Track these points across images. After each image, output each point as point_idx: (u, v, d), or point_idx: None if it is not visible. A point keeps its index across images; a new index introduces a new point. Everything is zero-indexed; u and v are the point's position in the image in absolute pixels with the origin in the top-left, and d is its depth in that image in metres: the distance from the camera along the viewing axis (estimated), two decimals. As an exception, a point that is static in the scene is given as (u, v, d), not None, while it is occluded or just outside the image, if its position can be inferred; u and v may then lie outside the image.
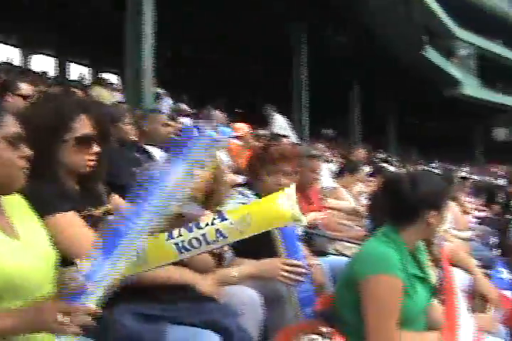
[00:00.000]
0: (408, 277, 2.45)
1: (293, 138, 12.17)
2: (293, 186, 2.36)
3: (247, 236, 2.20)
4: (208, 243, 2.18)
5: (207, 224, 2.19)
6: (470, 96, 35.06)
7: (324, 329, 2.07)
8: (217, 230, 2.17)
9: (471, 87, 35.68)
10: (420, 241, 2.65)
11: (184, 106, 14.63)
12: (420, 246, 2.66)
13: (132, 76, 11.53)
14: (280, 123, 12.77)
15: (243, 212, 2.24)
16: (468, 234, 6.14)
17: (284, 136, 10.08)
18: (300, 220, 2.26)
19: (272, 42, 21.81)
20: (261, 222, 2.22)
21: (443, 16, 31.29)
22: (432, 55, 28.40)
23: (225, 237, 2.18)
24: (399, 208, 2.55)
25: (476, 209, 8.92)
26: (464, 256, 3.48)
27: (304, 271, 2.74)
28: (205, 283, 2.47)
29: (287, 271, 2.70)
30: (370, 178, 7.58)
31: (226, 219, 2.19)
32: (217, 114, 10.63)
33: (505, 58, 40.48)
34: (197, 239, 2.16)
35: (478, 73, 37.45)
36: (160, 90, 13.37)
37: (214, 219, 2.21)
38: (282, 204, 2.21)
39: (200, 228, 2.19)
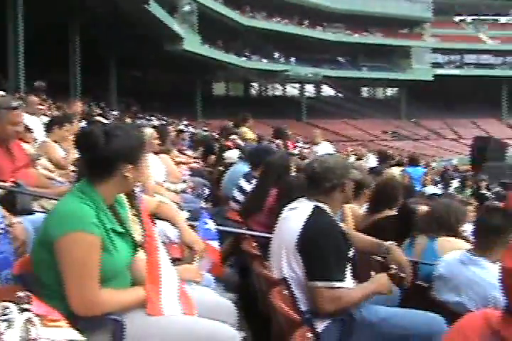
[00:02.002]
0: (107, 233, 2.35)
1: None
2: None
3: None
4: None
5: None
6: (191, 52, 35.84)
7: (22, 294, 1.88)
8: None
9: (193, 43, 36.48)
10: (121, 195, 2.57)
11: None
12: (121, 200, 2.57)
13: None
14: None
15: None
16: (181, 186, 6.23)
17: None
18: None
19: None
20: None
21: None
22: (155, 9, 28.42)
23: None
24: (93, 162, 2.43)
25: (191, 162, 9.11)
26: (170, 209, 3.48)
27: None
28: None
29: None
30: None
31: None
32: None
33: (226, 17, 41.99)
34: None
35: (199, 30, 38.34)
36: None
37: None
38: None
39: None
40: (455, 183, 14.79)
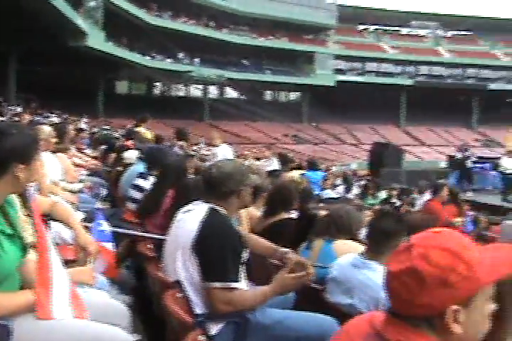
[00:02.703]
0: (-5, 235, 2.28)
1: None
2: None
3: None
4: None
5: None
6: (95, 48, 35.16)
7: None
8: None
9: (97, 40, 35.77)
10: (14, 195, 2.50)
11: None
12: (11, 200, 2.50)
13: None
14: None
15: None
16: (78, 185, 6.12)
17: None
18: None
19: None
20: None
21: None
22: (59, 3, 27.66)
23: None
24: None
25: (90, 161, 8.95)
26: (64, 209, 3.41)
27: None
28: None
29: None
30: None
31: None
32: None
33: (131, 14, 41.42)
34: None
35: (104, 27, 37.66)
36: None
37: None
38: None
39: None
40: (356, 189, 15.01)
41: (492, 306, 1.61)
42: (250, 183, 3.46)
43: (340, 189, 13.53)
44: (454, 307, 1.49)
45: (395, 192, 15.29)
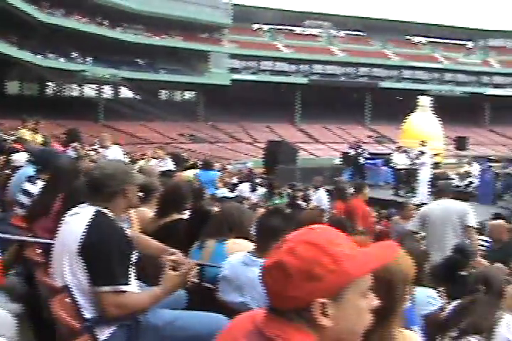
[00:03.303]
0: None
1: None
2: None
3: None
4: None
5: None
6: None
7: None
8: None
9: None
10: None
11: None
12: None
13: None
14: None
15: None
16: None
17: None
18: None
19: None
20: None
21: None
22: None
23: None
24: None
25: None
26: None
27: None
28: None
29: None
30: None
31: None
32: None
33: (22, 11, 40.00)
34: None
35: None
36: None
37: None
38: None
39: None
40: (261, 188, 14.98)
41: (375, 302, 1.65)
42: (135, 182, 3.44)
43: (245, 188, 13.55)
44: (321, 300, 1.52)
45: (300, 193, 15.34)
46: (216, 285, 3.83)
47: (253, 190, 13.79)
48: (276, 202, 13.73)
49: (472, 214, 7.73)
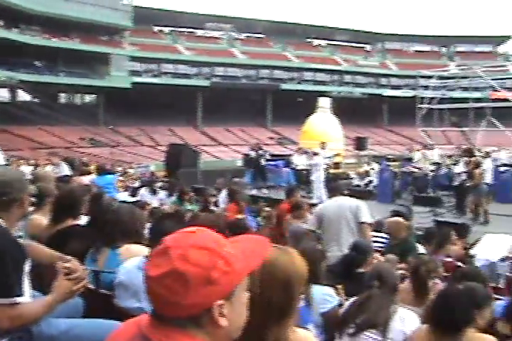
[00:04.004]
0: None
1: None
2: None
3: None
4: None
5: None
6: None
7: None
8: None
9: None
10: None
11: None
12: None
13: None
14: None
15: None
16: None
17: None
18: None
19: None
20: None
21: None
22: None
23: None
24: None
25: None
26: None
27: None
28: None
29: None
30: None
31: None
32: None
33: None
34: None
35: None
36: None
37: None
38: None
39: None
40: (162, 192, 14.74)
41: (246, 295, 1.67)
42: (30, 191, 3.35)
43: (146, 192, 13.38)
44: (219, 302, 1.53)
45: (213, 199, 15.15)
46: (113, 291, 3.79)
47: (153, 193, 13.66)
48: (188, 207, 13.62)
49: (365, 210, 7.89)
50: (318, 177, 19.51)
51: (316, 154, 20.32)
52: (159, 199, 13.38)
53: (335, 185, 8.75)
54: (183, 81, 60.24)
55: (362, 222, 7.77)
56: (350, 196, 8.30)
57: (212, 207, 13.03)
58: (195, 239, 1.57)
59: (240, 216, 9.43)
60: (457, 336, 3.59)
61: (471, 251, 7.96)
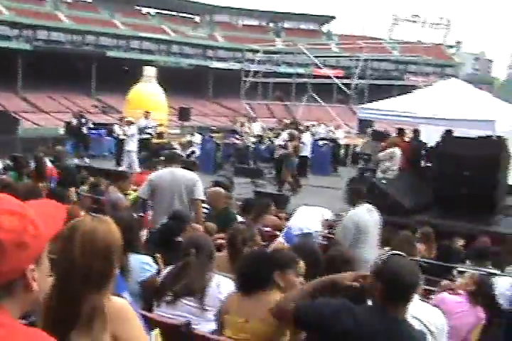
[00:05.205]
0: None
1: None
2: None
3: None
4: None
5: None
6: None
7: None
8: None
9: None
10: None
11: None
12: None
13: None
14: None
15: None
16: None
17: None
18: None
19: None
20: None
21: None
22: None
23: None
24: None
25: None
26: None
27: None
28: None
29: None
30: None
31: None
32: None
33: None
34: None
35: None
36: None
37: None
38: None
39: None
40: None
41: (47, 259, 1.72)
42: None
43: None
44: (31, 266, 1.57)
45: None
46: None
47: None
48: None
49: (200, 185, 7.86)
50: (132, 148, 19.81)
51: (132, 123, 20.35)
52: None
53: (170, 154, 8.59)
54: (2, 43, 56.94)
55: (195, 199, 7.75)
56: (184, 168, 8.15)
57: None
58: (3, 204, 1.57)
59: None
60: (258, 296, 3.84)
61: (287, 223, 8.08)
